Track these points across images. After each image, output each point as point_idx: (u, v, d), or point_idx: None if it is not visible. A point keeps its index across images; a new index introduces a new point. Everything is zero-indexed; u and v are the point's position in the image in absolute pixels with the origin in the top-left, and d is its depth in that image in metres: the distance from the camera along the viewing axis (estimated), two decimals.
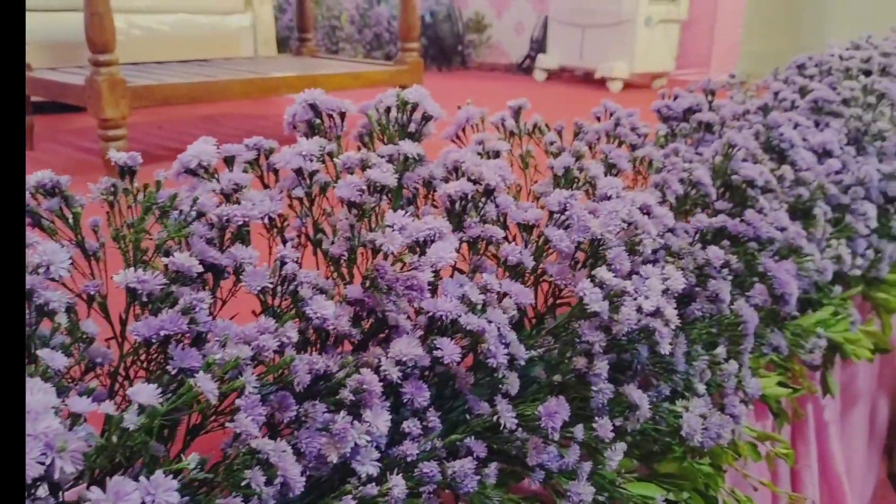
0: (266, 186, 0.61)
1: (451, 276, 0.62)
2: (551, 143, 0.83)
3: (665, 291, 0.65)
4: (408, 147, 0.61)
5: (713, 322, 0.79)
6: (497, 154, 0.72)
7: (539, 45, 3.88)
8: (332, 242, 0.57)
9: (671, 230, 0.81)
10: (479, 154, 0.72)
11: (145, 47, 2.42)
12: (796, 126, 1.09)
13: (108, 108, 1.51)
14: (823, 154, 1.14)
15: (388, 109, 0.65)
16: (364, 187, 0.56)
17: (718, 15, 3.67)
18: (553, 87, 3.48)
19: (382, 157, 0.61)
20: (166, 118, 2.36)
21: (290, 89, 1.83)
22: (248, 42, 2.74)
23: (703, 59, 3.75)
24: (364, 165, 0.57)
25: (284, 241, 0.62)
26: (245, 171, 0.59)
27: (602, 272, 0.60)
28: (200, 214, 0.50)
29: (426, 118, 0.65)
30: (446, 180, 0.71)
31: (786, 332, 0.91)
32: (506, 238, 0.67)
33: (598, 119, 0.93)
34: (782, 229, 0.91)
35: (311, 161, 0.58)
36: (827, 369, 1.04)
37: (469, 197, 0.62)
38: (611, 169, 0.78)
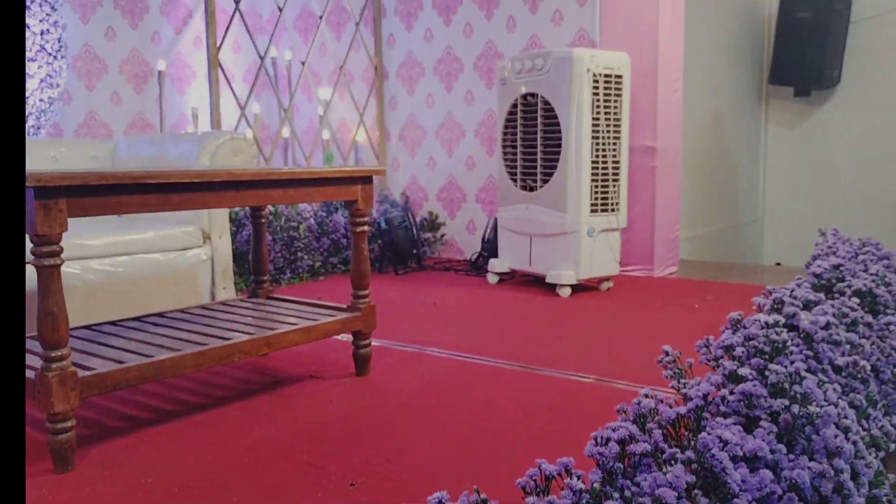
0: None
1: None
2: None
3: None
4: None
5: None
6: None
7: (491, 246, 4.05)
8: None
9: None
10: None
11: (99, 292, 2.47)
12: (725, 445, 1.14)
13: (57, 403, 1.52)
14: (755, 459, 1.19)
15: None
16: None
17: (657, 216, 3.89)
18: (505, 290, 3.60)
19: None
20: None
21: (243, 355, 1.86)
22: (205, 274, 2.81)
23: (647, 257, 3.93)
24: None
25: None
26: None
27: None
28: None
29: None
30: None
31: None
32: None
33: None
34: None
35: None
36: None
37: None
38: None
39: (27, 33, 3.64)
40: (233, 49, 4.72)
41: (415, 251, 4.17)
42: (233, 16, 4.05)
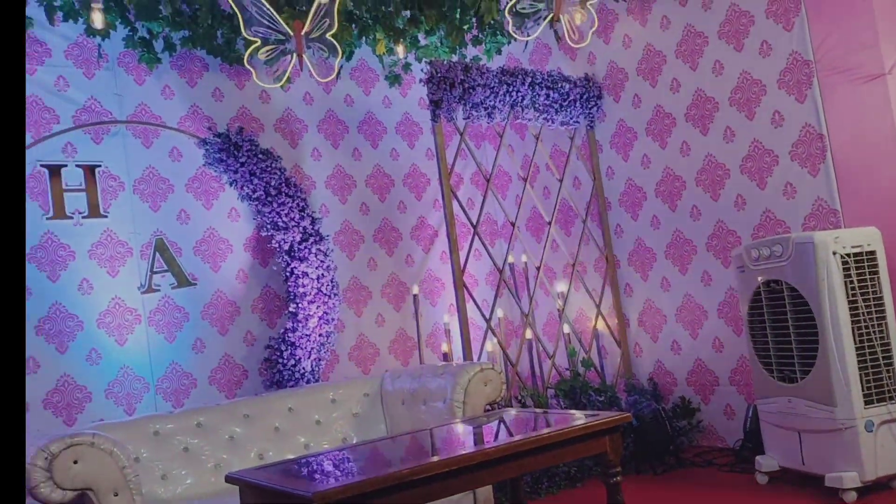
0: None
1: None
2: None
3: None
4: None
5: None
6: None
7: (753, 435, 3.80)
8: None
9: None
10: None
11: None
12: None
13: None
14: None
15: None
16: None
17: None
18: (779, 496, 3.32)
19: None
20: None
21: None
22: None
23: None
24: None
25: None
26: None
27: None
28: None
29: None
30: None
31: None
32: None
33: None
34: None
35: None
36: None
37: None
38: None
39: (306, 280, 4.31)
40: (474, 256, 5.14)
41: (671, 446, 4.03)
42: (472, 238, 4.46)
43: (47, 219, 3.75)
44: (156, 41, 4.06)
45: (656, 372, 4.61)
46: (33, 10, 3.72)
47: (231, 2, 3.62)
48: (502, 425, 2.55)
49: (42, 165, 3.77)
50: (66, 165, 3.83)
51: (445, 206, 4.31)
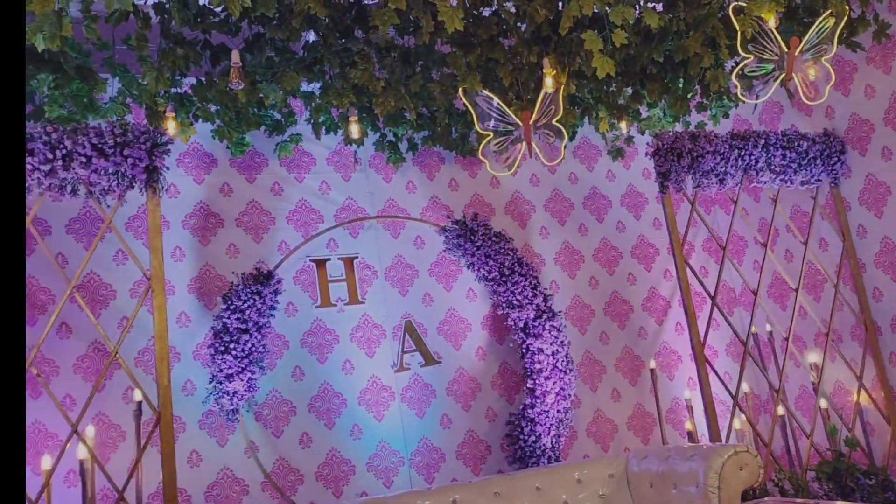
0: None
1: None
2: None
3: None
4: None
5: None
6: None
7: None
8: None
9: None
10: None
11: None
12: None
13: None
14: None
15: None
16: None
17: None
18: None
19: None
20: None
21: None
22: None
23: None
24: None
25: None
26: None
27: None
28: None
29: None
30: None
31: None
32: None
33: None
34: None
35: None
36: None
37: None
38: None
39: (542, 356, 4.40)
40: (712, 327, 4.94)
41: None
42: (711, 309, 4.32)
43: (316, 307, 4.25)
44: (400, 143, 4.51)
45: None
46: (302, 128, 4.32)
47: (465, 101, 3.94)
48: None
49: (311, 260, 4.30)
50: (329, 259, 4.34)
51: (679, 277, 4.23)
